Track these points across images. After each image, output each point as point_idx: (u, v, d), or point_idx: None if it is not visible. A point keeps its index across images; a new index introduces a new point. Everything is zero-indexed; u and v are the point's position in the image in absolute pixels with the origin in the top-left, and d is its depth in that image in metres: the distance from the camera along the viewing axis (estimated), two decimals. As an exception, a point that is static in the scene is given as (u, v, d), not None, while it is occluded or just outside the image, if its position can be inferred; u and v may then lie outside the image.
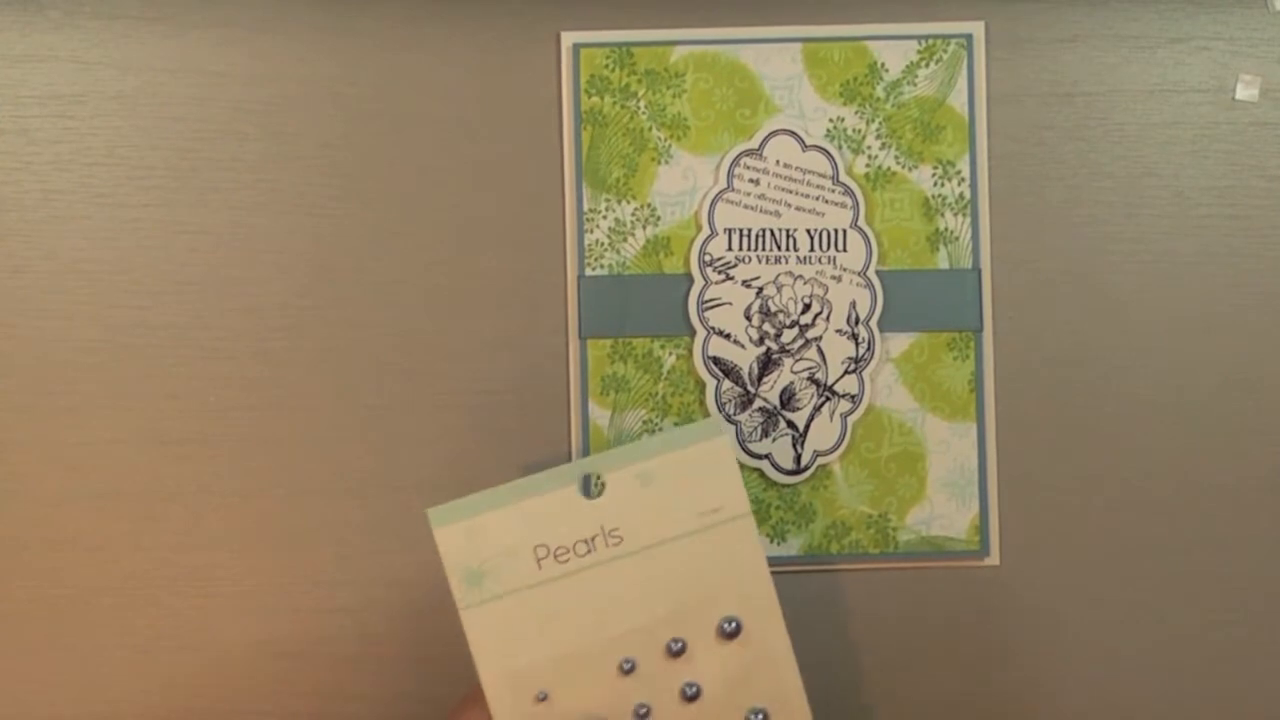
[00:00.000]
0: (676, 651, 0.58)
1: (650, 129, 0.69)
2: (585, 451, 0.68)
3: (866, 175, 0.69)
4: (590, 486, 0.59)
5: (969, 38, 0.69)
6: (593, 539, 0.58)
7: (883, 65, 0.69)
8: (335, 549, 0.68)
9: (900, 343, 0.69)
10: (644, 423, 0.68)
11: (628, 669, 0.58)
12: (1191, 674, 0.69)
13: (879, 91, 0.69)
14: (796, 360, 0.68)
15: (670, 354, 0.68)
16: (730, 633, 0.59)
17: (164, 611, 0.67)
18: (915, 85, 0.69)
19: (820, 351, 0.68)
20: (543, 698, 0.57)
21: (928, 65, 0.69)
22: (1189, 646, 0.69)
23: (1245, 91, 0.69)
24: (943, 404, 0.69)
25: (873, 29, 0.69)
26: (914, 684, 0.69)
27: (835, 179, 0.68)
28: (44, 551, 0.67)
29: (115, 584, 0.67)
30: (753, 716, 0.59)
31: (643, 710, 0.58)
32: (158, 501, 0.68)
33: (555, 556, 0.57)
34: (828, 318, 0.68)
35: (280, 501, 0.68)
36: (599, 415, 0.68)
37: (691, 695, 0.58)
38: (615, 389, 0.68)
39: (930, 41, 0.69)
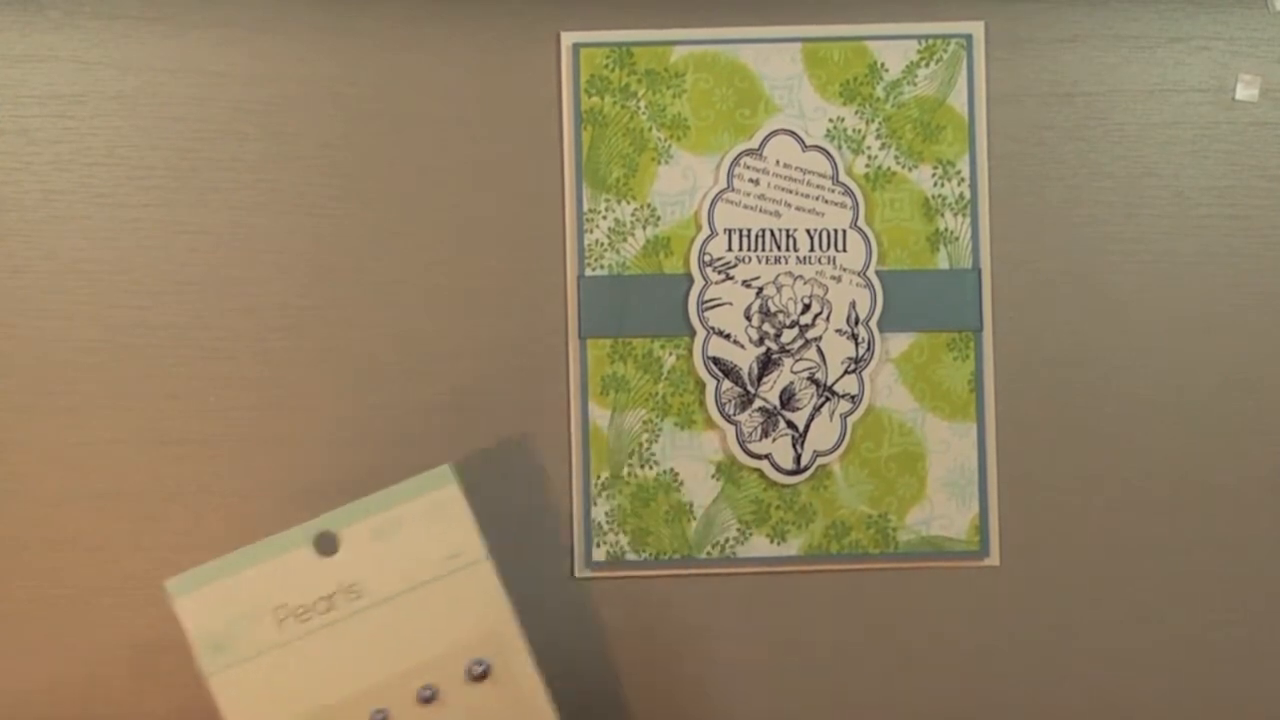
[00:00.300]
0: (427, 699, 0.59)
1: (650, 129, 0.69)
2: (585, 452, 0.68)
3: (866, 175, 0.69)
4: (326, 545, 0.59)
5: (969, 38, 0.69)
6: (332, 595, 0.59)
7: (882, 65, 0.69)
8: (335, 549, 0.68)
9: (900, 343, 0.69)
10: (644, 423, 0.68)
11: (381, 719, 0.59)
12: (1191, 674, 0.69)
13: (879, 91, 0.69)
14: (796, 360, 0.69)
15: (670, 354, 0.68)
16: (479, 675, 0.59)
17: (164, 611, 0.67)
18: (915, 85, 0.69)
19: (820, 352, 0.68)
20: None
21: (928, 65, 0.69)
22: (1189, 646, 0.69)
23: (1245, 91, 0.69)
24: (943, 404, 0.69)
25: (872, 29, 0.69)
26: (914, 684, 0.69)
27: (835, 179, 0.68)
28: (44, 551, 0.67)
29: (115, 584, 0.67)
30: None
31: None
32: (158, 501, 0.68)
33: (296, 616, 0.58)
34: (827, 318, 0.68)
35: (280, 501, 0.68)
36: (599, 415, 0.68)
37: None
38: (615, 389, 0.68)
39: (930, 41, 0.69)
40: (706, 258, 0.68)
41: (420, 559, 0.59)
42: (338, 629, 0.58)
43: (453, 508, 0.59)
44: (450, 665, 0.59)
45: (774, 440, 0.68)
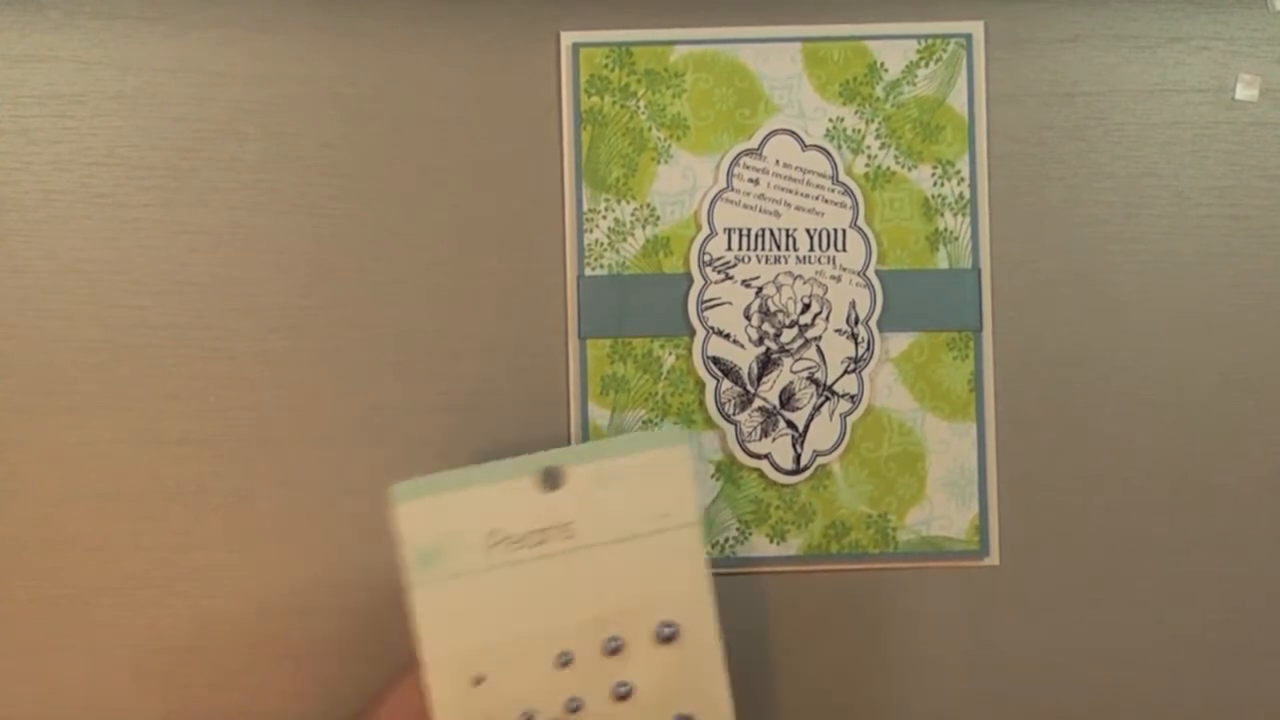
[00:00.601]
0: (613, 650, 0.59)
1: (650, 129, 0.69)
2: (585, 451, 0.68)
3: (866, 175, 0.69)
4: (551, 480, 0.59)
5: (968, 37, 0.69)
6: (546, 531, 0.58)
7: (882, 65, 0.69)
8: (335, 549, 0.68)
9: (900, 342, 0.69)
10: (644, 423, 0.68)
11: (564, 662, 0.59)
12: (1192, 674, 0.69)
13: (878, 91, 0.69)
14: (796, 360, 0.68)
15: (670, 354, 0.68)
16: (667, 637, 0.59)
17: (164, 611, 0.67)
18: (915, 85, 0.69)
19: (820, 351, 0.68)
20: (479, 681, 0.58)
21: (927, 65, 0.69)
22: (1189, 646, 0.69)
23: (1245, 91, 0.69)
24: (942, 404, 0.69)
25: (872, 29, 0.69)
26: (914, 684, 0.69)
27: (835, 179, 0.68)
28: (44, 551, 0.67)
29: (115, 584, 0.67)
30: None
31: (574, 704, 0.59)
32: (158, 501, 0.68)
33: (507, 544, 0.58)
34: (827, 317, 0.68)
35: (280, 501, 0.68)
36: (599, 415, 0.68)
37: (623, 694, 0.59)
38: (615, 389, 0.68)
39: (930, 41, 0.69)
40: (706, 257, 0.68)
41: (636, 512, 0.59)
42: (543, 565, 0.58)
43: (678, 469, 0.59)
44: (640, 621, 0.59)
45: (774, 440, 0.68)
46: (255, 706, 0.68)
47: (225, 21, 0.68)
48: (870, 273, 0.68)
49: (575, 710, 0.59)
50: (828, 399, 0.68)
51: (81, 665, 0.67)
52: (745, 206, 0.68)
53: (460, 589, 0.57)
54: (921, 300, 0.69)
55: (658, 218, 0.69)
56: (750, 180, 0.68)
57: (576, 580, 0.58)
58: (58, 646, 0.67)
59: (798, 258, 0.68)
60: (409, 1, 0.68)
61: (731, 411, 0.68)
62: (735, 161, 0.68)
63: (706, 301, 0.68)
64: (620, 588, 0.59)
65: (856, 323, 0.68)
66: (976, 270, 0.69)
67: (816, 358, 0.68)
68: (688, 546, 0.59)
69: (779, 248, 0.68)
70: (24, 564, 0.67)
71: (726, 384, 0.68)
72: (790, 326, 0.68)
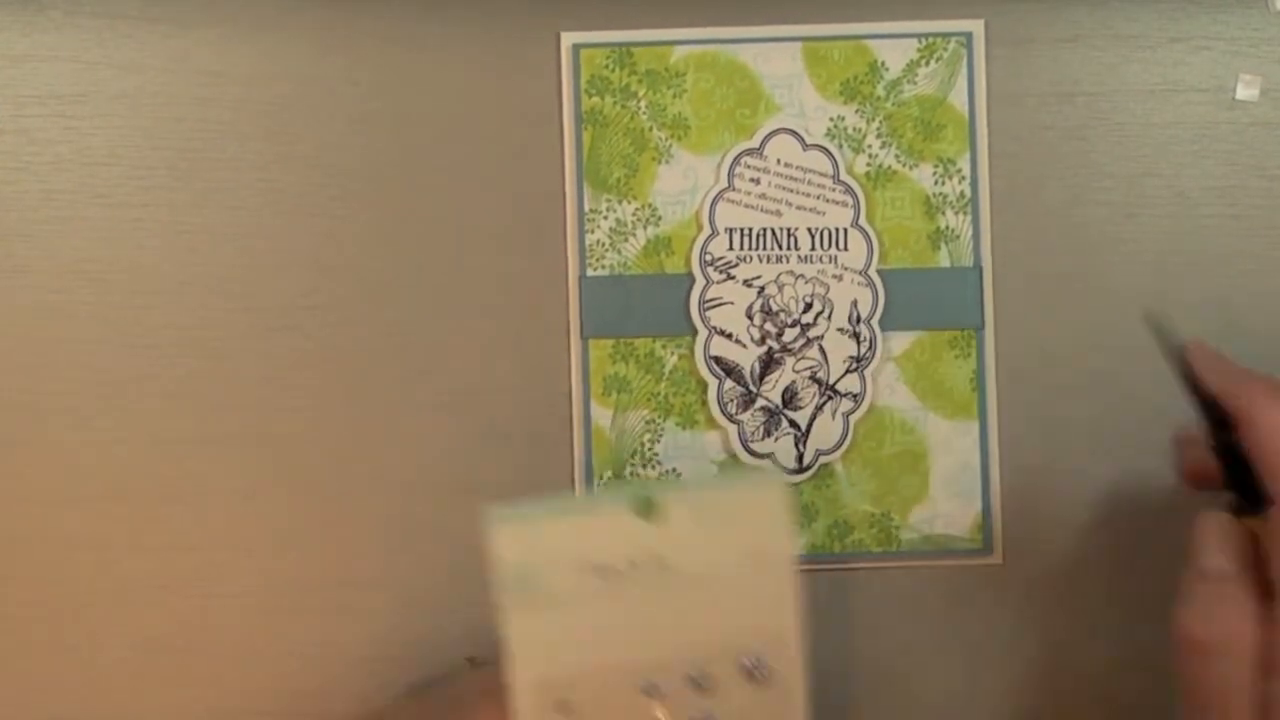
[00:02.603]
0: (699, 683, 0.58)
1: (651, 129, 0.69)
2: (588, 453, 0.68)
3: (867, 174, 0.69)
4: (648, 512, 0.59)
5: (969, 36, 0.69)
6: (640, 562, 0.58)
7: (883, 64, 0.69)
8: (335, 549, 0.68)
9: (902, 341, 0.69)
10: (646, 423, 0.68)
11: (649, 693, 0.58)
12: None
13: (879, 90, 0.69)
14: (798, 359, 0.68)
15: (672, 354, 0.68)
16: (753, 673, 0.59)
17: (164, 611, 0.67)
18: (915, 84, 0.69)
19: (822, 350, 0.68)
20: (564, 707, 0.57)
21: (928, 63, 0.69)
22: (1192, 646, 0.69)
23: (1245, 91, 0.69)
24: (945, 402, 0.68)
25: (872, 27, 0.69)
26: (916, 683, 0.69)
27: (836, 178, 0.68)
28: (44, 551, 0.67)
29: (115, 584, 0.67)
30: None
31: None
32: (158, 501, 0.67)
33: (600, 574, 0.58)
34: (829, 317, 0.68)
35: (280, 501, 0.68)
36: (601, 416, 0.68)
37: None
38: (617, 389, 0.68)
39: (930, 40, 0.69)
40: (708, 257, 0.68)
41: (731, 547, 0.58)
42: (634, 595, 0.58)
43: (775, 509, 0.59)
44: (727, 657, 0.59)
45: (776, 440, 0.68)
46: (255, 706, 0.68)
47: (225, 21, 0.68)
48: (872, 272, 0.68)
49: None
50: (830, 398, 0.68)
51: (81, 665, 0.67)
52: (746, 206, 0.68)
53: (551, 615, 0.57)
54: (923, 299, 0.68)
55: (659, 218, 0.68)
56: (751, 180, 0.68)
57: (668, 612, 0.58)
58: (58, 646, 0.67)
59: (799, 257, 0.68)
60: (410, 2, 0.68)
61: (734, 411, 0.68)
62: (736, 161, 0.68)
63: (708, 301, 0.68)
64: (710, 622, 0.58)
65: (858, 322, 0.68)
66: (978, 269, 0.69)
67: (818, 357, 0.68)
68: (781, 586, 0.59)
69: (780, 247, 0.68)
70: (24, 564, 0.67)
71: (729, 384, 0.68)
72: (792, 326, 0.68)
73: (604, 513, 0.58)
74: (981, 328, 0.69)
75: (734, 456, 0.68)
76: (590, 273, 0.68)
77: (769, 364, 0.68)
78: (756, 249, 0.68)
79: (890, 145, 0.69)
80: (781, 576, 0.59)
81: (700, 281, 0.68)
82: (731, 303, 0.68)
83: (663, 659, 0.58)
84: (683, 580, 0.58)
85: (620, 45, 0.69)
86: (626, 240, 0.68)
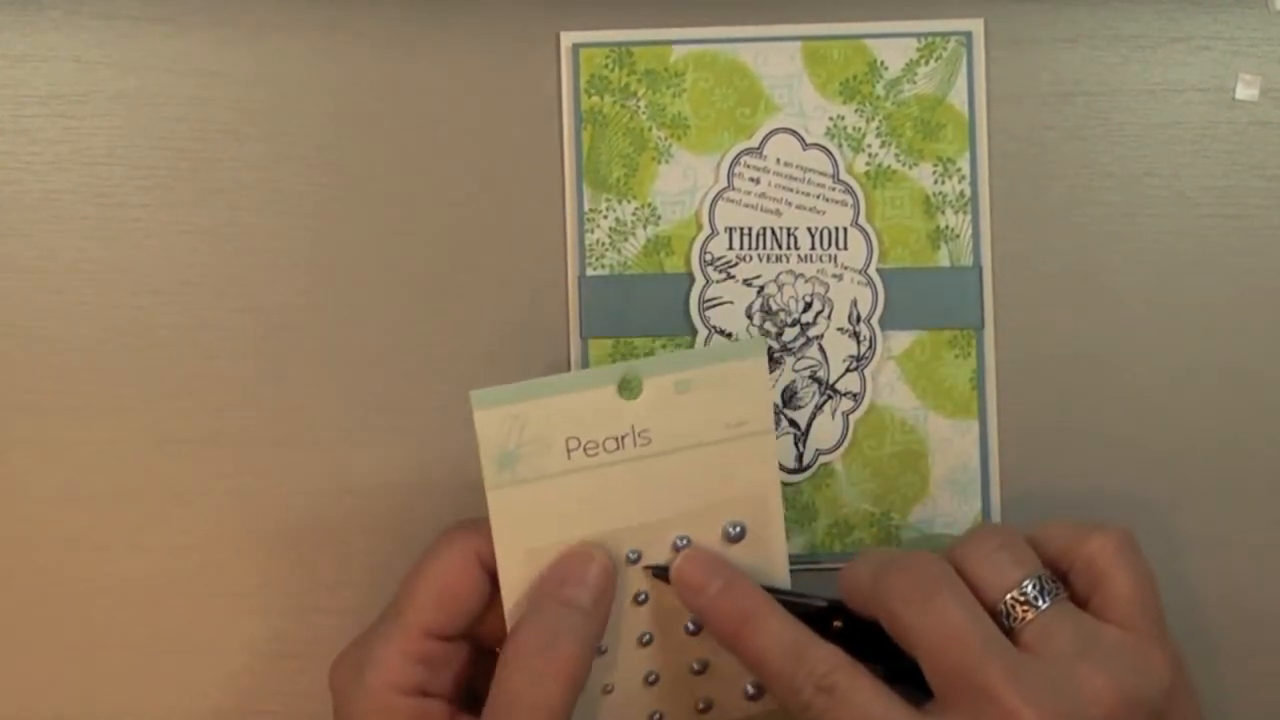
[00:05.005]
0: (681, 549, 0.60)
1: (650, 129, 0.69)
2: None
3: (867, 173, 0.69)
4: (629, 388, 0.60)
5: (968, 35, 0.69)
6: (623, 437, 0.59)
7: (882, 63, 0.69)
8: (336, 549, 0.68)
9: (902, 340, 0.69)
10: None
11: (633, 559, 0.60)
12: (1193, 673, 0.69)
13: (879, 89, 0.69)
14: (798, 359, 0.68)
15: (671, 353, 0.68)
16: (734, 537, 0.61)
17: (164, 611, 0.67)
18: (915, 83, 0.69)
19: (822, 350, 0.68)
20: None
21: (927, 63, 0.69)
22: (1191, 646, 0.69)
23: (1245, 91, 0.70)
24: (944, 402, 0.68)
25: (872, 27, 0.69)
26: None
27: (835, 177, 0.68)
28: (44, 551, 0.67)
29: (115, 584, 0.67)
30: None
31: (641, 598, 0.61)
32: (158, 501, 0.67)
33: (585, 449, 0.59)
34: (829, 316, 0.68)
35: (280, 501, 0.68)
36: (600, 415, 0.68)
37: None
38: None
39: (929, 39, 0.69)
40: (707, 257, 0.68)
41: (712, 419, 0.60)
42: (618, 469, 0.59)
43: (755, 378, 0.60)
44: (709, 522, 0.61)
45: (776, 439, 0.68)
46: (256, 706, 0.68)
47: (225, 21, 0.68)
48: (872, 271, 0.68)
49: (642, 602, 0.61)
50: (830, 397, 0.68)
51: (81, 665, 0.67)
52: (746, 206, 0.68)
53: (535, 492, 0.59)
54: (923, 298, 0.68)
55: (659, 217, 0.68)
56: (751, 179, 0.68)
57: (649, 485, 0.60)
58: (58, 646, 0.67)
59: (799, 256, 0.68)
60: (409, 2, 0.68)
61: (733, 411, 0.68)
62: (736, 161, 0.68)
63: (708, 301, 0.68)
64: (692, 491, 0.60)
65: (858, 321, 0.68)
66: (978, 268, 0.69)
67: (818, 356, 0.68)
68: (761, 452, 0.61)
69: (780, 246, 0.68)
70: (24, 564, 0.67)
71: (728, 383, 0.68)
72: (792, 325, 0.68)
73: (586, 390, 0.59)
74: (981, 327, 0.69)
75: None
76: (590, 272, 0.68)
77: (769, 363, 0.68)
78: (756, 248, 0.68)
79: (890, 145, 0.69)
80: (761, 442, 0.61)
81: (700, 281, 0.68)
82: (731, 302, 0.68)
83: (645, 528, 0.60)
84: (664, 453, 0.60)
85: (620, 45, 0.69)
86: (626, 240, 0.68)
